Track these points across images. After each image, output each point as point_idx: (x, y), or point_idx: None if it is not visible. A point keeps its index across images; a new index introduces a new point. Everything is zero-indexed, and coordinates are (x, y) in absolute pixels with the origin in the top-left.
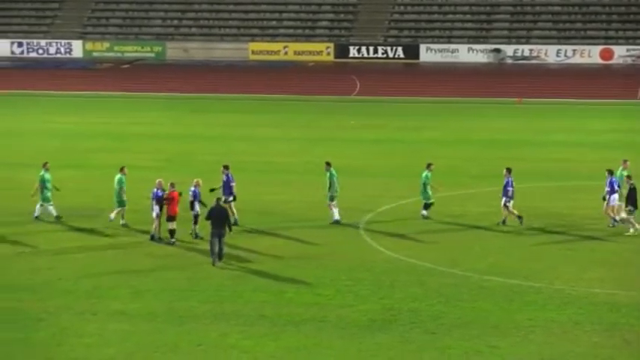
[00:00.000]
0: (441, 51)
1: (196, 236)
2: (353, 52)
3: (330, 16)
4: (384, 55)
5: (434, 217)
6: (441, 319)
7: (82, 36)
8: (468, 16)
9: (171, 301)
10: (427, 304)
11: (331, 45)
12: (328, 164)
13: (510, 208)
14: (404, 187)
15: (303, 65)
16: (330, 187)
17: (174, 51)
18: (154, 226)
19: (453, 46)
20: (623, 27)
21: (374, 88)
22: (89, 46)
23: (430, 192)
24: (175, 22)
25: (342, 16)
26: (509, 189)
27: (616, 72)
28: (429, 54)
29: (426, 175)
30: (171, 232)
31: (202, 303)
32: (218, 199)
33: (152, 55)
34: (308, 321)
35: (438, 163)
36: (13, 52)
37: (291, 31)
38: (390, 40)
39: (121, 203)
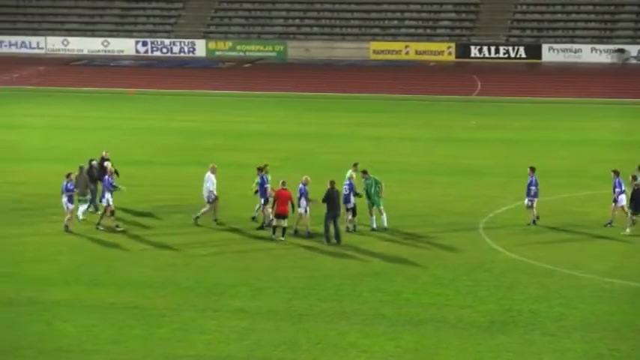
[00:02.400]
0: (563, 51)
1: (295, 232)
2: (474, 51)
3: (452, 15)
4: (506, 55)
5: (554, 217)
6: (561, 321)
7: (205, 35)
8: (592, 16)
9: (291, 299)
10: (547, 306)
11: (452, 45)
12: (365, 172)
13: (533, 209)
14: (524, 187)
15: (424, 65)
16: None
17: (296, 50)
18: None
19: (575, 46)
20: None
21: (495, 88)
22: (212, 45)
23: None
24: (297, 21)
25: (463, 15)
26: (532, 188)
27: None
28: (552, 54)
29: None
30: (283, 230)
31: (321, 301)
32: (332, 182)
33: (274, 54)
34: (427, 321)
35: (559, 163)
36: (137, 51)
37: (412, 30)
38: (511, 39)
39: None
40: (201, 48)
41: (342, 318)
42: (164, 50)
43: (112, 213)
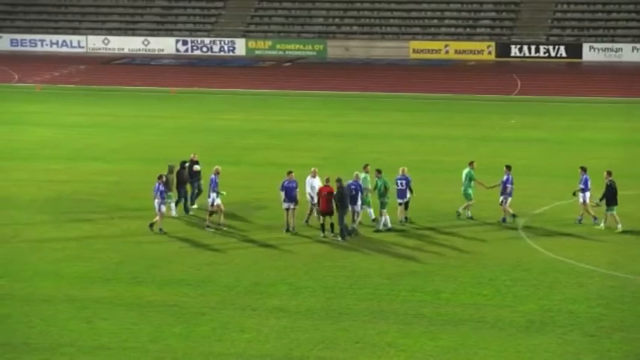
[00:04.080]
0: (604, 50)
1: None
2: (514, 51)
3: (492, 14)
4: (546, 55)
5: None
6: (600, 322)
7: (245, 34)
8: (633, 15)
9: (329, 298)
10: (587, 307)
11: (492, 44)
12: (379, 171)
13: (506, 206)
14: (563, 187)
15: (464, 64)
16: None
17: (336, 49)
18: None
19: (616, 45)
20: None
21: (535, 87)
22: (252, 44)
23: (471, 191)
24: (337, 20)
25: (503, 14)
26: (508, 186)
27: None
28: (592, 53)
29: (469, 172)
30: (322, 227)
31: (360, 301)
32: (339, 180)
33: (313, 53)
34: (466, 321)
35: (599, 163)
36: (177, 50)
37: (452, 29)
38: (552, 39)
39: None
40: (241, 47)
41: (380, 317)
42: (204, 49)
43: (220, 211)
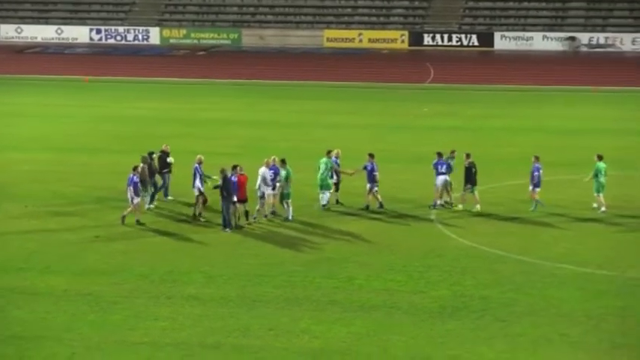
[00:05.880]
0: (515, 39)
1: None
2: (427, 39)
3: (405, 3)
4: (459, 43)
5: (505, 204)
6: (512, 307)
7: (160, 23)
8: (543, 4)
9: (244, 286)
10: (498, 292)
11: (406, 33)
12: (283, 161)
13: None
14: (478, 175)
15: (378, 53)
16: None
17: (250, 38)
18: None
19: (527, 34)
20: None
21: (448, 75)
22: (166, 33)
23: (330, 181)
24: (251, 9)
25: (416, 3)
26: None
27: None
28: (504, 42)
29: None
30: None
31: (274, 288)
32: (223, 171)
33: (228, 42)
34: (379, 307)
35: (510, 150)
36: (91, 39)
37: (365, 18)
38: (464, 27)
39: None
40: (155, 36)
41: (294, 304)
42: (118, 38)
43: (205, 202)
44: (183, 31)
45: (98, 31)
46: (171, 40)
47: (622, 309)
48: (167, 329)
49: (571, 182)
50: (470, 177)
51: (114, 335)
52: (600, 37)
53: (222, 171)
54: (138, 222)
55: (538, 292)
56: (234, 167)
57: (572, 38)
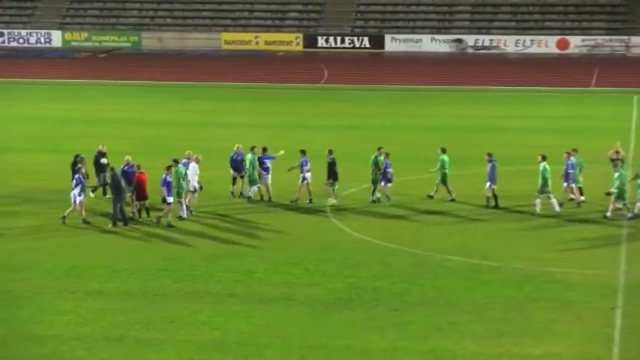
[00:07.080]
0: (405, 41)
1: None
2: (321, 42)
3: (299, 7)
4: (351, 45)
5: (398, 200)
6: (403, 297)
7: (61, 26)
8: (431, 8)
9: (146, 280)
10: (390, 283)
11: (300, 35)
12: (175, 161)
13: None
14: (369, 171)
15: (274, 55)
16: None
17: (150, 41)
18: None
19: (416, 37)
20: (578, 18)
21: (341, 76)
22: (68, 36)
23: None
24: (151, 12)
25: (310, 7)
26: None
27: (571, 61)
28: (394, 44)
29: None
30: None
31: (175, 282)
32: (112, 168)
33: (128, 44)
34: (277, 299)
35: (400, 148)
36: None
37: (261, 21)
38: (356, 30)
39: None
40: (57, 38)
41: (195, 297)
42: (20, 41)
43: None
44: (85, 34)
45: (1, 34)
46: (73, 43)
47: (507, 298)
48: (71, 323)
49: (461, 177)
50: (331, 172)
51: (20, 330)
52: (485, 40)
53: (112, 169)
54: (84, 221)
55: (429, 282)
56: (136, 165)
57: (459, 40)
